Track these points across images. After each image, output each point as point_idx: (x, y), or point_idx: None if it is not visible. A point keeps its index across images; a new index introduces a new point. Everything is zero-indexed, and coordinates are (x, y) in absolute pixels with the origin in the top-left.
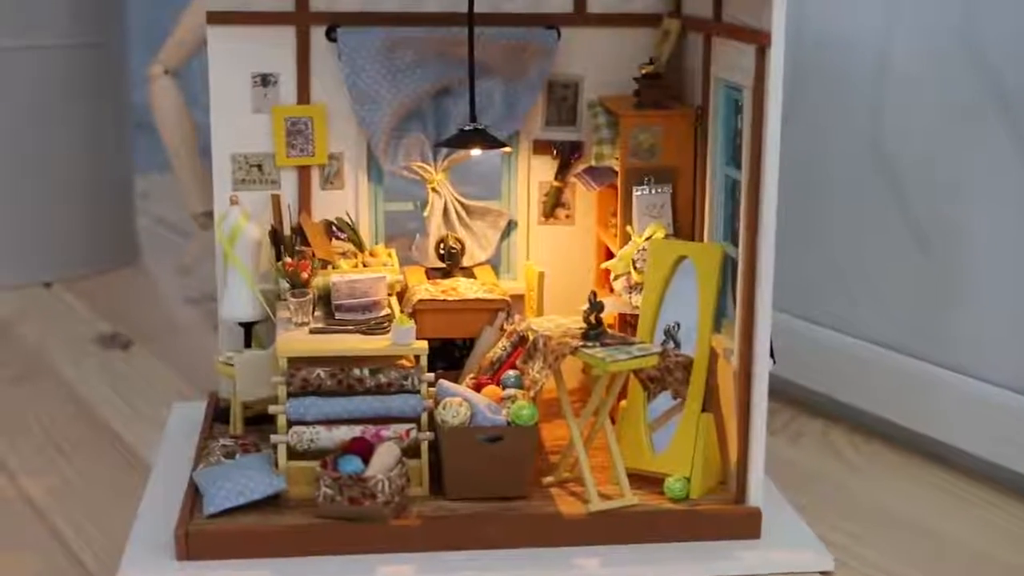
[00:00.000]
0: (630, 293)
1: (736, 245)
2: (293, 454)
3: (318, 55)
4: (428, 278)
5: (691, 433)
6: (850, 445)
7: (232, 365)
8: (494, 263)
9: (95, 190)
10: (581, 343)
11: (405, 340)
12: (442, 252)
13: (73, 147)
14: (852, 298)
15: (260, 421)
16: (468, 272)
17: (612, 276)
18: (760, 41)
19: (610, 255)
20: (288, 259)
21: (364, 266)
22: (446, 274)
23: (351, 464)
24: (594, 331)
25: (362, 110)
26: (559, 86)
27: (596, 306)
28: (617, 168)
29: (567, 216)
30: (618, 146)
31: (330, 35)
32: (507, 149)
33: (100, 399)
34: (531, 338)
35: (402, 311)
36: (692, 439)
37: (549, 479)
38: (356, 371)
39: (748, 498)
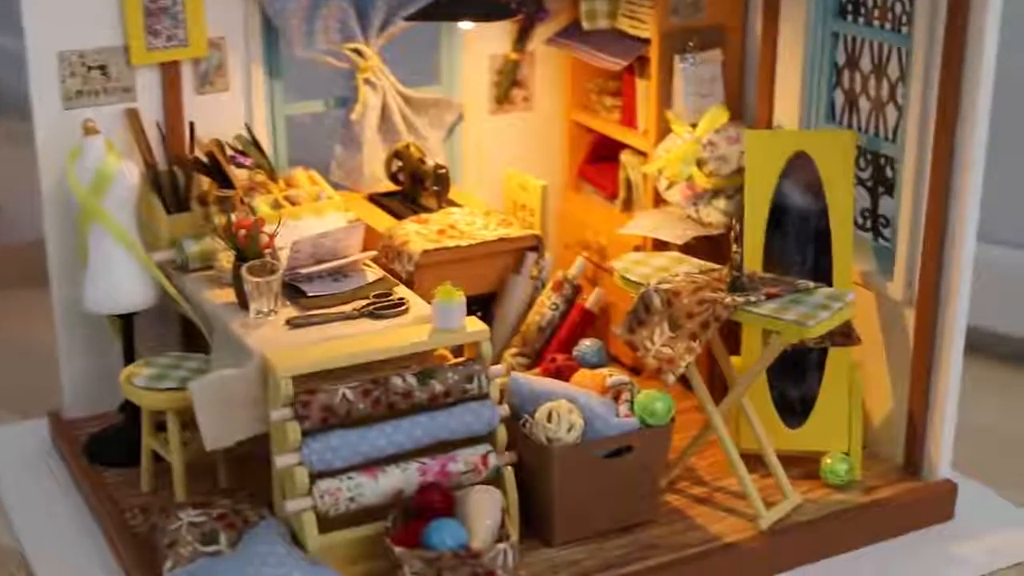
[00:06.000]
0: (695, 205)
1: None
2: (324, 522)
3: None
4: (399, 216)
5: (842, 395)
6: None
7: (174, 390)
8: None
9: None
10: (740, 298)
11: (455, 323)
12: (395, 170)
13: None
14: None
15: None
16: (443, 197)
17: (664, 184)
18: None
19: (601, 148)
20: (228, 217)
21: (291, 204)
22: (410, 203)
23: (449, 532)
24: (742, 278)
25: None
26: None
27: (740, 242)
28: (621, 29)
29: (525, 99)
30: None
31: None
32: (520, 17)
33: None
34: (641, 293)
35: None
36: (844, 403)
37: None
38: (397, 380)
39: (926, 472)
